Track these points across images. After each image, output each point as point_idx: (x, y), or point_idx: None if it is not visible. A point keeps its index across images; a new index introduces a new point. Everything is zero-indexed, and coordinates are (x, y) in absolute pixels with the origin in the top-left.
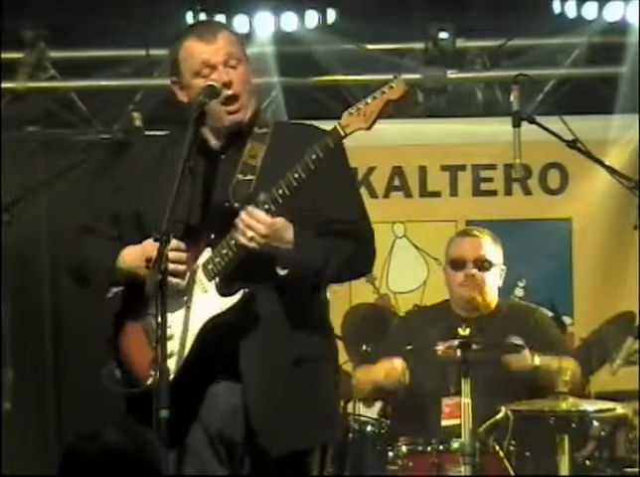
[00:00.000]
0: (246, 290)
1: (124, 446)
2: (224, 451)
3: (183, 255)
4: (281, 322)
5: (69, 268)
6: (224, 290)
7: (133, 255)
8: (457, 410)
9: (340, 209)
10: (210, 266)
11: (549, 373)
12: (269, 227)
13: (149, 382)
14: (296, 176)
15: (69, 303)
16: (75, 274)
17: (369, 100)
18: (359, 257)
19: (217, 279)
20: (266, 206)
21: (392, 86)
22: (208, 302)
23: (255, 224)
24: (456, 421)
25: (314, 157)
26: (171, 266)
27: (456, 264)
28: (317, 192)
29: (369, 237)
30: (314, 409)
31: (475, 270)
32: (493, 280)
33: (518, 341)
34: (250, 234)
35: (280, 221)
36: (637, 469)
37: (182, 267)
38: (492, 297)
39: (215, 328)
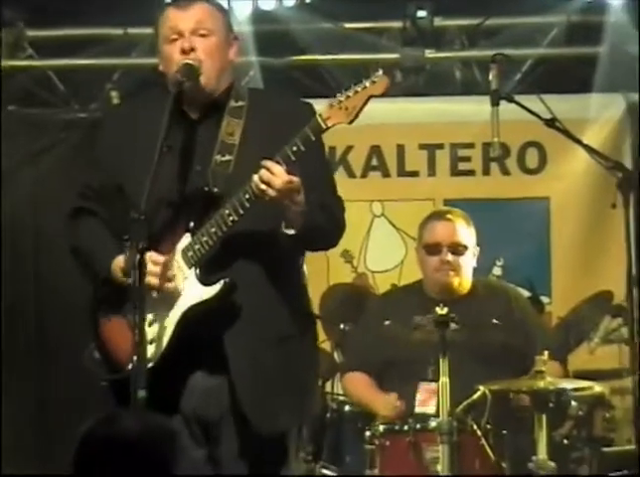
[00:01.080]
0: (227, 280)
1: (142, 432)
2: (199, 432)
3: (159, 269)
4: (263, 302)
5: (71, 253)
6: (204, 279)
7: (123, 266)
8: (432, 397)
9: (327, 191)
10: (189, 253)
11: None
12: (286, 183)
13: (130, 367)
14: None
15: (52, 283)
16: (77, 259)
17: (350, 94)
18: (338, 228)
19: (197, 267)
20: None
21: (374, 81)
22: (188, 290)
23: (272, 177)
24: (430, 409)
25: (295, 149)
26: (151, 281)
27: (431, 249)
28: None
29: (342, 214)
30: (297, 387)
31: (450, 255)
32: (468, 263)
33: (495, 321)
34: (264, 187)
35: (297, 180)
36: (614, 448)
37: (158, 282)
38: (467, 280)
39: (195, 316)
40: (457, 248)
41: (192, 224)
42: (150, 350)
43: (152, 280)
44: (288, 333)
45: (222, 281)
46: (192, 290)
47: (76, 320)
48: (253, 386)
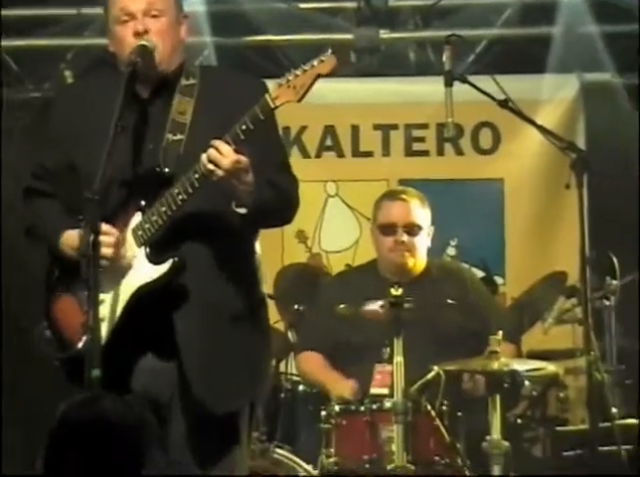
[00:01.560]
0: (176, 259)
1: (117, 415)
2: (150, 411)
3: (112, 240)
4: (214, 282)
5: (25, 233)
6: (153, 258)
7: (70, 242)
8: (388, 379)
9: (276, 169)
10: (139, 232)
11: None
12: (234, 163)
13: (80, 345)
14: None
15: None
16: (31, 239)
17: (298, 72)
18: (289, 205)
19: (146, 246)
20: None
21: (322, 60)
22: (138, 269)
23: (220, 157)
24: (385, 390)
25: (244, 128)
26: (104, 251)
27: (386, 230)
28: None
29: (294, 191)
30: (248, 368)
31: (405, 236)
32: (422, 243)
33: (449, 301)
34: (211, 166)
35: (245, 160)
36: (568, 428)
37: (111, 251)
38: (422, 260)
39: (145, 295)
40: (412, 229)
41: (143, 203)
42: (101, 329)
43: (105, 250)
44: (240, 314)
45: (170, 260)
46: (141, 269)
47: (35, 299)
48: (204, 366)
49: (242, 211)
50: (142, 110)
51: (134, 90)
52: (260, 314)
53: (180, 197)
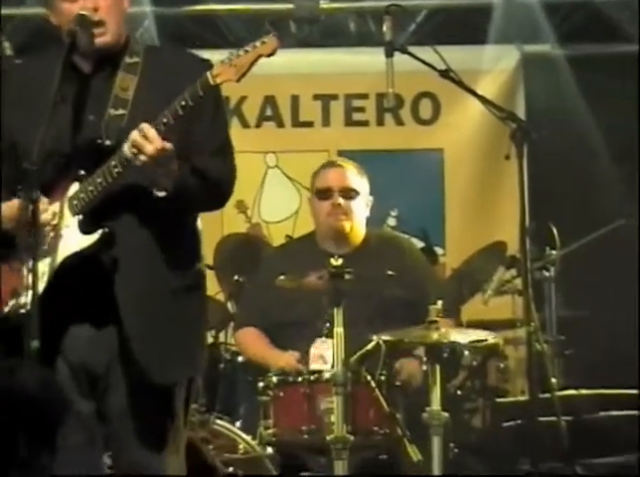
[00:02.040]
0: (106, 230)
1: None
2: (86, 384)
3: (49, 215)
4: (153, 254)
5: None
6: (85, 227)
7: (7, 212)
8: (327, 353)
9: (209, 155)
10: (74, 202)
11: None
12: (158, 150)
13: (6, 309)
14: (165, 121)
15: None
16: None
17: (241, 53)
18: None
19: (80, 216)
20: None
21: (264, 42)
22: (69, 238)
23: (145, 142)
24: (326, 366)
25: (183, 104)
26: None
27: (322, 194)
28: (191, 133)
29: (228, 180)
30: (187, 340)
31: (341, 199)
32: (360, 209)
33: (389, 272)
34: (135, 151)
35: (170, 148)
36: (508, 399)
37: (47, 220)
38: (359, 227)
39: (74, 263)
40: (348, 193)
41: (82, 173)
42: (30, 297)
43: (42, 218)
44: (178, 286)
45: (100, 230)
46: (72, 238)
47: None
48: (141, 337)
49: (161, 194)
50: (84, 84)
51: (76, 64)
52: (198, 288)
53: (116, 169)
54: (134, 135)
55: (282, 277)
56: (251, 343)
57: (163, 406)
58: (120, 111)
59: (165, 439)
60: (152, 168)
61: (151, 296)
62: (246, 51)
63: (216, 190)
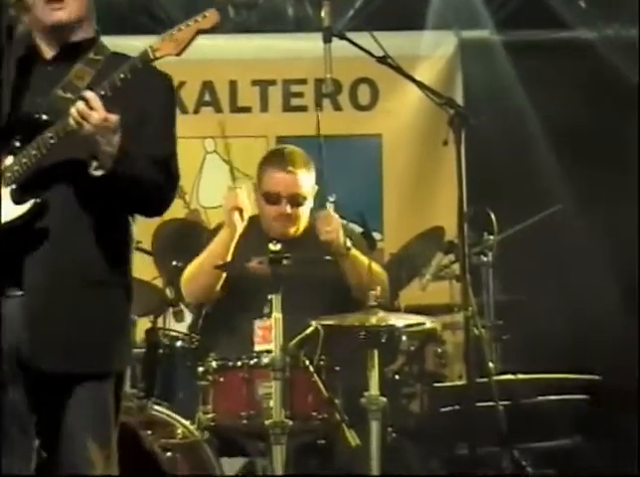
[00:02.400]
0: (38, 200)
1: None
2: (16, 368)
3: None
4: (78, 239)
5: None
6: (17, 198)
7: None
8: (270, 335)
9: (154, 146)
10: (8, 174)
11: (365, 282)
12: (103, 120)
13: None
14: (102, 93)
15: None
16: None
17: (182, 27)
18: (164, 194)
19: (12, 186)
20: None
21: (205, 16)
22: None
23: (89, 111)
24: (269, 346)
25: (122, 76)
26: None
27: (270, 199)
28: (140, 121)
29: (175, 180)
30: (101, 336)
31: (289, 207)
32: (306, 210)
33: (328, 257)
34: (79, 119)
35: (115, 120)
36: (446, 383)
37: None
38: (304, 225)
39: (5, 236)
40: (297, 200)
41: (16, 144)
42: None
43: None
44: (101, 278)
45: (32, 201)
46: (3, 210)
47: None
48: (48, 326)
49: (98, 173)
50: (42, 70)
51: (40, 50)
52: (125, 279)
53: (51, 141)
54: (79, 104)
55: (222, 262)
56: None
57: (91, 398)
58: (68, 95)
59: (93, 430)
60: (94, 139)
61: (59, 285)
62: (187, 25)
63: (155, 193)
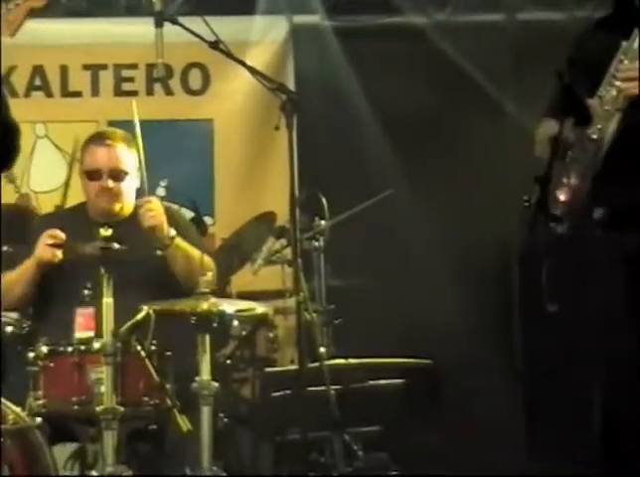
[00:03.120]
0: None
1: None
2: None
3: None
4: None
5: None
6: None
7: None
8: (91, 322)
9: None
10: None
11: (190, 271)
12: None
13: None
14: None
15: None
16: None
17: (11, 7)
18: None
19: None
20: None
21: None
22: None
23: None
24: (90, 333)
25: None
26: None
27: (92, 175)
28: None
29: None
30: None
31: (111, 182)
32: (129, 187)
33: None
34: None
35: None
36: (277, 368)
37: None
38: (129, 203)
39: None
40: (118, 175)
41: None
42: None
43: None
44: None
45: None
46: None
47: None
48: None
49: None
50: None
51: None
52: None
53: None
54: None
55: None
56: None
57: None
58: None
59: None
60: None
61: None
62: (17, 4)
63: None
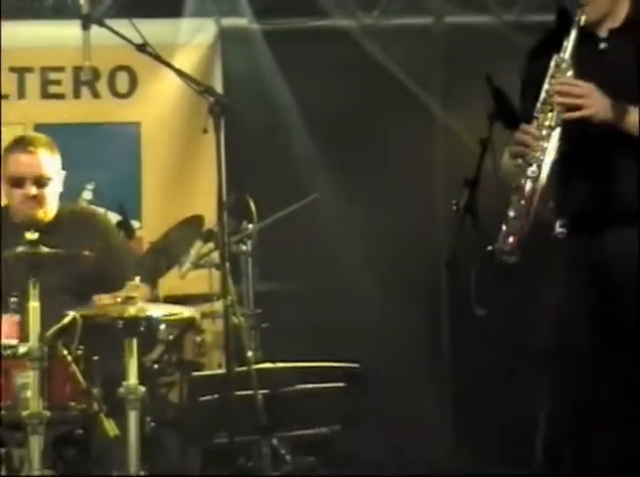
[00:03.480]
0: None
1: None
2: None
3: None
4: None
5: None
6: None
7: None
8: (15, 330)
9: None
10: None
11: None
12: None
13: None
14: None
15: None
16: None
17: None
18: None
19: None
20: None
21: None
22: None
23: None
24: (13, 341)
25: None
26: None
27: (15, 183)
28: None
29: None
30: None
31: (34, 189)
32: (53, 193)
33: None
34: None
35: None
36: (205, 372)
37: None
38: (52, 209)
39: None
40: (41, 181)
41: None
42: None
43: None
44: None
45: None
46: None
47: None
48: None
49: None
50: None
51: None
52: None
53: None
54: None
55: None
56: None
57: None
58: None
59: None
60: None
61: None
62: None
63: None
